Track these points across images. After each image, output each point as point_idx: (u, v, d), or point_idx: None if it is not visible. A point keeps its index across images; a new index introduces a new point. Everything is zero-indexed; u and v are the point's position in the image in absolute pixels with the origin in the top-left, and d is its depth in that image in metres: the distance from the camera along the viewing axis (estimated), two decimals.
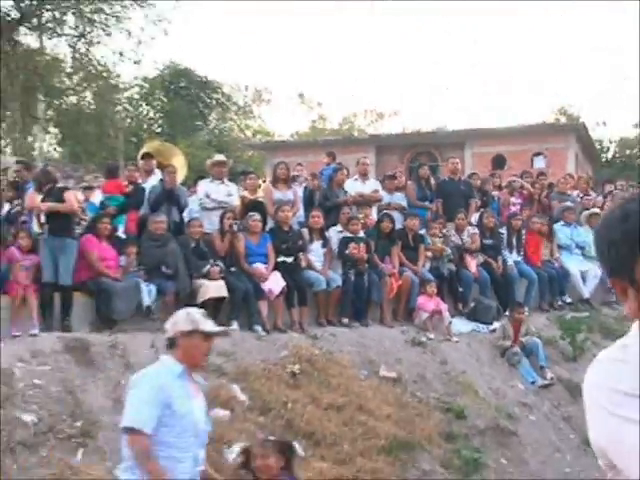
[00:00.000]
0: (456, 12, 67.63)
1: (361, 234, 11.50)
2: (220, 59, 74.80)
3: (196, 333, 4.41)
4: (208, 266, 10.02)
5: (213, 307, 9.90)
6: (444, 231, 12.50)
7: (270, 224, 11.22)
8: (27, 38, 25.79)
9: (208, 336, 4.47)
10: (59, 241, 9.23)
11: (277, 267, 10.59)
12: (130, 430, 4.21)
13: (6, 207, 9.81)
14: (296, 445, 5.01)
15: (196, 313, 4.57)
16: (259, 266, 10.48)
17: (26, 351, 7.88)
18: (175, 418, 4.22)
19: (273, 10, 79.13)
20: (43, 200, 9.30)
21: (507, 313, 11.93)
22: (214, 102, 40.25)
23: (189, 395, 4.38)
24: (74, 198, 9.45)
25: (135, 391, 4.30)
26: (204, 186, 11.41)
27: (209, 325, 4.50)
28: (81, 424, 7.21)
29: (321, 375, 9.31)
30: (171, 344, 4.44)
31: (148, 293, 9.46)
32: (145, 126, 39.09)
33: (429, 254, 12.11)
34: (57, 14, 24.44)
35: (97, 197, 11.70)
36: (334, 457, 7.97)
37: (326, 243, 11.28)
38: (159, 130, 38.24)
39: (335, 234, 11.51)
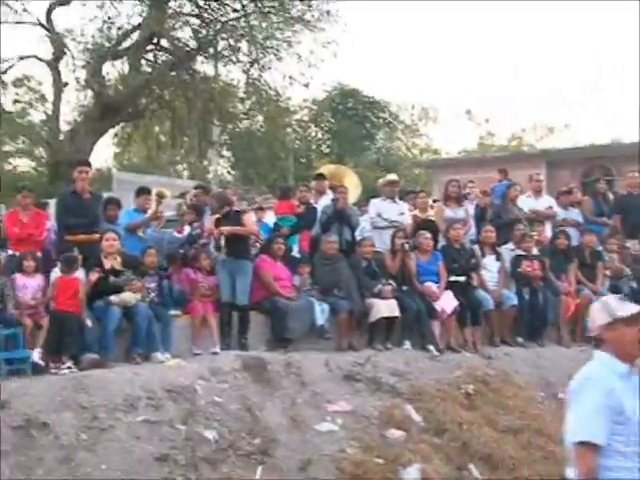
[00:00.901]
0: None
1: (534, 251, 11.16)
2: (387, 79, 75.12)
3: (618, 322, 3.89)
4: (380, 285, 10.01)
5: (386, 326, 9.90)
6: (624, 248, 11.91)
7: (442, 242, 11.09)
8: (203, 66, 26.81)
9: (632, 320, 3.89)
10: (236, 263, 9.49)
11: (449, 286, 10.45)
12: (581, 444, 3.74)
13: (187, 229, 10.16)
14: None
15: (611, 300, 4.03)
16: (431, 285, 10.37)
17: (206, 369, 8.08)
18: (627, 424, 3.77)
19: (438, 28, 78.71)
20: (221, 223, 9.59)
21: None
22: (381, 121, 40.40)
23: (635, 396, 3.84)
24: (252, 221, 9.69)
25: (582, 398, 3.83)
26: (376, 205, 11.43)
27: (629, 308, 3.92)
28: (259, 441, 7.32)
29: (496, 396, 9.05)
30: (598, 344, 4.01)
31: (321, 312, 9.53)
32: (314, 147, 39.80)
33: (608, 273, 11.57)
34: (232, 42, 25.29)
35: (270, 218, 11.95)
36: None
37: (499, 257, 11.05)
38: (327, 151, 38.83)
39: (507, 252, 11.23)
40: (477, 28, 76.88)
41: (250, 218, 9.71)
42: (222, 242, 9.43)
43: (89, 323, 8.00)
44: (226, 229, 9.43)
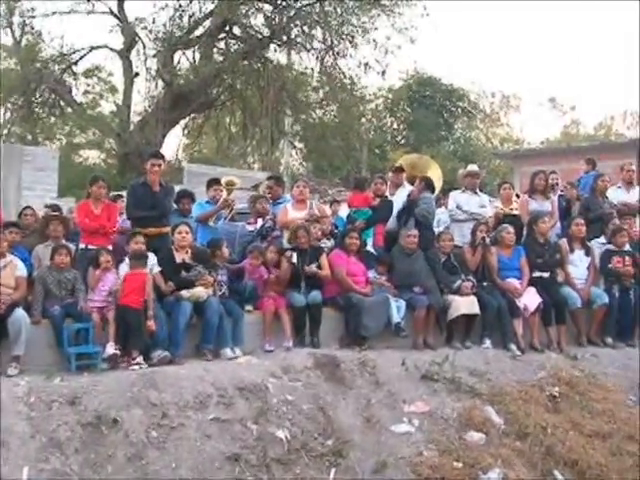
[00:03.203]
0: None
1: (627, 247, 10.88)
2: (466, 66, 74.39)
3: None
4: (459, 281, 9.90)
5: (465, 324, 9.78)
6: None
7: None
8: (276, 55, 26.89)
9: None
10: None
11: (533, 282, 10.27)
12: None
13: (259, 222, 10.20)
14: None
15: None
16: (513, 281, 10.21)
17: (278, 367, 8.09)
18: None
19: (521, 11, 77.42)
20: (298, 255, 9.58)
21: None
22: (459, 111, 40.03)
23: None
24: (327, 264, 9.65)
25: None
26: (455, 197, 11.33)
27: None
28: (332, 442, 7.29)
29: (583, 399, 8.84)
30: None
31: (397, 309, 9.43)
32: (389, 138, 39.64)
33: None
34: (305, 29, 25.31)
35: (344, 211, 11.91)
36: None
37: (588, 252, 10.83)
38: (403, 141, 38.63)
39: (597, 247, 10.97)
40: (562, 10, 75.45)
41: (325, 261, 9.61)
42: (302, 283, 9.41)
43: (152, 325, 8.03)
44: (313, 270, 9.39)
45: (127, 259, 8.44)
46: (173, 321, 8.28)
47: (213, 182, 10.83)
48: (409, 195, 10.68)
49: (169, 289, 8.50)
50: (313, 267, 9.36)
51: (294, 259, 9.39)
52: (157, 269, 8.55)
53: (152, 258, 8.57)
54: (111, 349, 7.82)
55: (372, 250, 10.50)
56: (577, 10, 76.01)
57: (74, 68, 28.56)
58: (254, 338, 8.92)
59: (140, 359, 7.83)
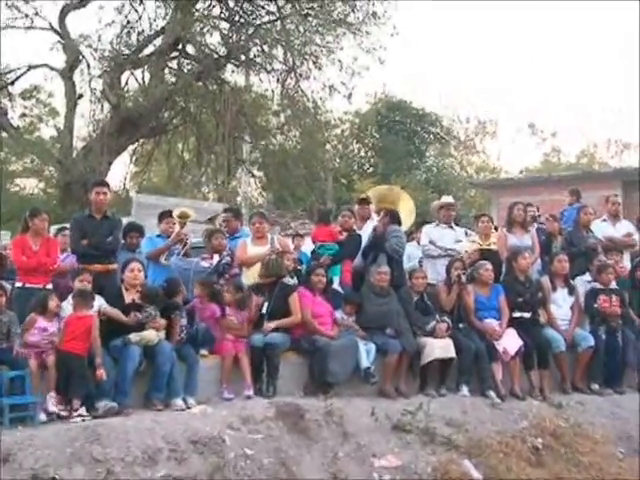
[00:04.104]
0: None
1: (613, 285, 11.00)
2: (438, 89, 75.35)
3: None
4: (433, 322, 9.95)
5: (440, 369, 9.80)
6: None
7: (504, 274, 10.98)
8: (233, 76, 26.96)
9: None
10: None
11: (513, 323, 10.34)
12: None
13: (216, 258, 10.17)
14: None
15: None
16: (492, 322, 10.27)
17: (236, 417, 8.02)
18: None
19: (497, 30, 78.70)
20: (262, 291, 9.59)
21: None
22: (432, 137, 40.41)
23: None
24: (297, 305, 9.64)
25: None
26: (429, 231, 11.41)
27: None
28: None
29: (569, 451, 8.91)
30: None
31: (367, 353, 9.45)
32: (356, 166, 39.85)
33: None
34: (265, 48, 25.42)
35: (308, 246, 11.94)
36: None
37: (572, 291, 10.93)
38: (371, 170, 38.85)
39: (582, 285, 11.08)
40: (542, 29, 76.83)
41: (296, 302, 9.63)
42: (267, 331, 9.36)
43: (102, 374, 7.92)
44: (273, 325, 9.36)
45: (70, 299, 8.35)
46: (120, 367, 8.18)
47: (165, 214, 10.84)
48: (374, 229, 10.71)
49: (134, 319, 8.42)
50: (272, 325, 9.34)
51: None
52: (106, 305, 8.47)
53: (99, 300, 8.48)
54: (52, 405, 7.68)
55: (339, 288, 10.51)
56: (556, 30, 77.40)
57: (10, 89, 28.37)
58: (209, 385, 8.86)
59: (83, 410, 7.72)
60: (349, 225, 10.97)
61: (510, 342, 10.09)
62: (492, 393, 9.72)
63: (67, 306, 8.31)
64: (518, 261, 10.71)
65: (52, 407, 7.67)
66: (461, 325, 10.25)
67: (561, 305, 10.87)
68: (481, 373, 9.92)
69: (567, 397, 10.20)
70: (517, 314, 10.45)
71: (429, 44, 74.77)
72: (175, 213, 10.56)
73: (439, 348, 9.71)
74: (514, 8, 70.98)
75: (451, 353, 9.75)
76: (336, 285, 10.55)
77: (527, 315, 10.49)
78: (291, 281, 10.10)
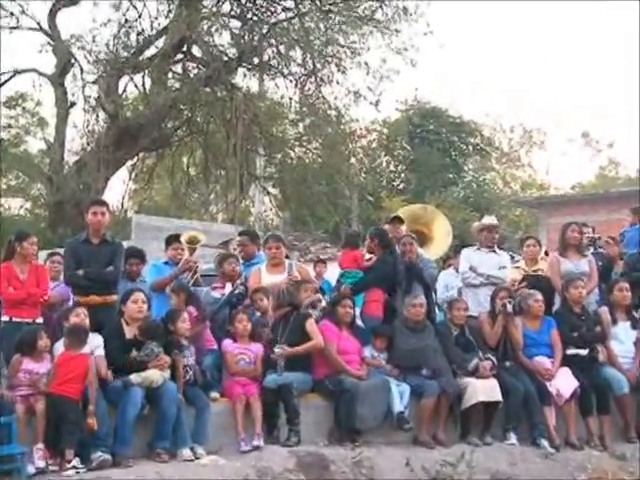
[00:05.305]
0: None
1: None
2: (479, 95, 75.24)
3: None
4: (476, 360, 9.92)
5: (483, 414, 9.76)
6: None
7: (557, 305, 10.98)
8: (246, 81, 26.99)
9: None
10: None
11: (567, 361, 10.31)
12: None
13: (228, 287, 10.19)
14: None
15: None
16: (543, 360, 10.24)
17: (251, 469, 8.05)
18: None
19: (546, 30, 78.74)
20: (278, 325, 9.62)
21: None
22: (471, 148, 40.39)
23: None
24: (317, 331, 9.63)
25: None
26: (469, 256, 11.37)
27: None
28: None
29: None
30: None
31: (400, 396, 9.43)
32: (385, 182, 39.84)
33: None
34: (282, 49, 25.46)
35: (331, 273, 11.93)
36: None
37: (636, 324, 10.88)
38: (402, 186, 38.84)
39: None
40: (600, 29, 76.70)
41: (314, 327, 9.64)
42: (282, 363, 9.33)
43: (92, 423, 7.90)
44: (286, 352, 9.35)
45: (64, 336, 8.37)
46: (120, 413, 8.19)
47: (173, 239, 10.83)
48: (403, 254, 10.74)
49: (109, 377, 8.42)
50: (282, 350, 9.31)
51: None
52: (101, 352, 8.47)
53: (96, 338, 8.50)
54: (40, 459, 7.65)
55: (359, 322, 10.44)
56: (614, 30, 77.33)
57: None
58: (221, 433, 8.85)
59: (76, 462, 7.71)
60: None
61: (564, 383, 10.05)
62: (544, 442, 9.67)
63: (58, 345, 8.34)
64: (572, 290, 10.68)
65: (39, 462, 7.63)
66: (508, 363, 10.21)
67: (623, 340, 10.79)
68: (531, 419, 9.86)
69: (631, 447, 10.12)
70: (572, 351, 10.41)
71: (465, 45, 74.84)
72: (183, 238, 10.57)
73: (483, 390, 9.66)
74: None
75: (497, 396, 9.70)
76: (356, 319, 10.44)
77: (584, 352, 10.44)
78: (315, 313, 10.08)
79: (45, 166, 29.62)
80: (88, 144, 26.84)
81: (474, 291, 11.16)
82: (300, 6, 25.56)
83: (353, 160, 32.37)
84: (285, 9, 26.03)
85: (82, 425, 7.86)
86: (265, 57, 26.14)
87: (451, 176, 39.03)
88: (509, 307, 10.32)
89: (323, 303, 10.24)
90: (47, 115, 34.23)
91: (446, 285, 11.70)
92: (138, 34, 26.18)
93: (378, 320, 10.49)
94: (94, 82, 25.99)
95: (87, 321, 8.59)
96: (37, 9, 39.05)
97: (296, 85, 26.28)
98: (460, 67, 65.80)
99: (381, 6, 25.59)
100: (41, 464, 7.62)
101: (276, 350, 9.29)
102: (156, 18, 26.17)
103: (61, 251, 10.41)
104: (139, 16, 26.00)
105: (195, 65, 27.00)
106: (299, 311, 9.78)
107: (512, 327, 10.34)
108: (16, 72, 27.55)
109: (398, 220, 11.65)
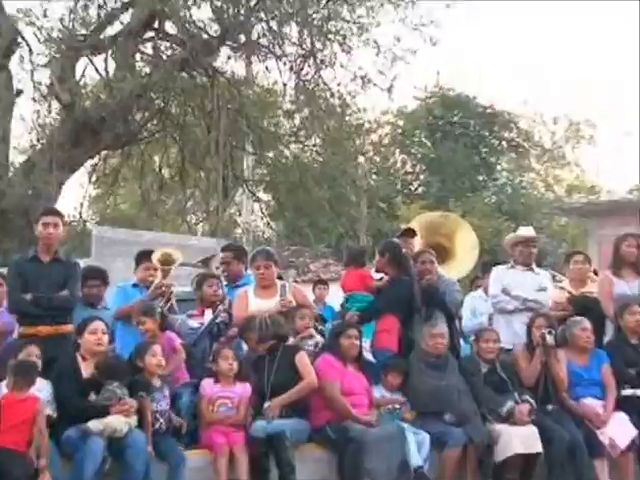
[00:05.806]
0: None
1: None
2: (513, 80, 75.39)
3: None
4: (510, 403, 9.90)
5: (521, 468, 9.73)
6: None
7: (609, 334, 10.96)
8: (230, 63, 26.96)
9: None
10: None
11: (622, 404, 10.29)
12: None
13: (208, 315, 10.17)
14: None
15: None
16: (592, 402, 10.23)
17: None
18: None
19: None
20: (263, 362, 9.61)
21: None
22: (504, 145, 40.44)
23: None
24: (309, 368, 9.61)
25: None
26: (502, 276, 11.37)
27: None
28: None
29: None
30: None
31: (418, 446, 9.40)
32: (400, 185, 39.92)
33: None
34: (274, 25, 25.43)
35: (335, 296, 11.95)
36: None
37: None
38: (421, 190, 38.92)
39: None
40: None
41: (306, 362, 9.63)
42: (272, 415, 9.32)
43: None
44: (276, 404, 9.34)
45: (8, 375, 8.37)
46: (76, 468, 8.18)
47: (143, 257, 10.70)
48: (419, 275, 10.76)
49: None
50: (276, 403, 9.31)
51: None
52: (48, 409, 8.41)
53: (46, 385, 8.51)
54: None
55: (369, 356, 10.41)
56: None
57: None
58: None
59: None
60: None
61: (619, 431, 10.04)
62: None
63: (1, 386, 8.34)
64: (628, 317, 10.68)
65: None
66: (550, 407, 10.22)
67: None
68: (579, 474, 9.82)
69: None
70: (628, 391, 10.41)
71: (501, 20, 75.03)
72: (155, 256, 10.44)
73: (519, 439, 9.64)
74: None
75: (536, 446, 9.67)
76: (366, 352, 10.41)
77: None
78: (311, 342, 10.06)
79: None
80: (38, 140, 26.82)
81: (507, 318, 11.15)
82: None
83: (361, 159, 32.41)
84: None
85: None
86: (254, 35, 26.13)
87: (481, 178, 39.19)
88: (550, 338, 10.31)
89: (318, 338, 10.22)
90: None
91: (473, 311, 11.71)
92: (99, 7, 26.15)
93: (391, 353, 10.49)
94: (45, 65, 25.97)
95: (38, 360, 8.56)
96: None
97: (291, 69, 26.23)
98: (492, 46, 65.70)
99: None
100: None
101: (265, 406, 9.27)
102: None
103: (4, 271, 10.38)
104: None
105: (169, 45, 26.97)
106: (286, 343, 9.77)
107: (554, 362, 10.33)
108: None
109: (410, 232, 11.61)
